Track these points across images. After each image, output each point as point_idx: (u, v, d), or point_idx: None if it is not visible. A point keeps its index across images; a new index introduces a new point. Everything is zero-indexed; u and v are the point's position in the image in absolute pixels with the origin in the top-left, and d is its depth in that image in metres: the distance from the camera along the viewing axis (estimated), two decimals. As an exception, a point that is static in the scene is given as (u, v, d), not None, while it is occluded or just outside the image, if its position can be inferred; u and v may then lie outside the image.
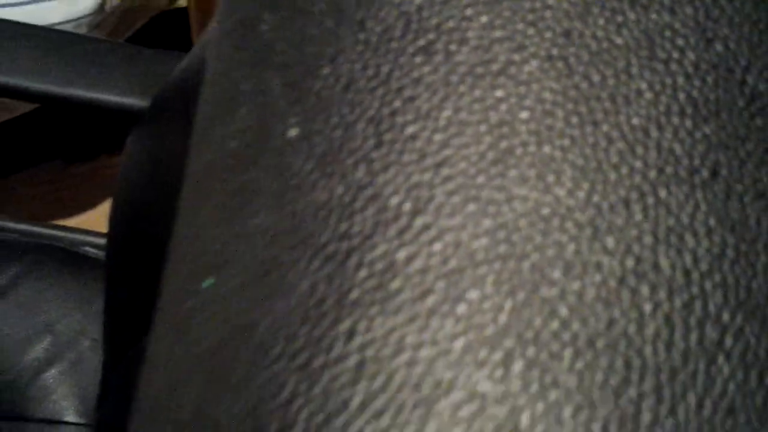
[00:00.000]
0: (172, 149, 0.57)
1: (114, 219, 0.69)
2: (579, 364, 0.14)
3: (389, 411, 0.14)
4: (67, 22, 0.88)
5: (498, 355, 0.14)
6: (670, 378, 0.14)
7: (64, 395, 0.72)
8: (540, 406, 0.14)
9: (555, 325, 0.14)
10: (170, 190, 0.57)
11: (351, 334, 0.15)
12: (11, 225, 0.78)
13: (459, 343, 0.14)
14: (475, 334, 0.14)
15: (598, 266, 0.15)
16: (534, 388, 0.14)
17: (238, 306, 0.16)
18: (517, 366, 0.14)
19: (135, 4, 1.00)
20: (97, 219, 1.13)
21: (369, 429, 0.13)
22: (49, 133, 1.25)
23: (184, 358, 0.16)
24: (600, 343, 0.14)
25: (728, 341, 0.14)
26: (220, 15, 0.23)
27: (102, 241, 0.80)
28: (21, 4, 0.85)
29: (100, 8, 0.91)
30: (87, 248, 0.78)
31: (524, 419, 0.13)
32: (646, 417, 0.14)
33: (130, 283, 0.67)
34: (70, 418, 0.71)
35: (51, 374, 0.73)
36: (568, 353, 0.14)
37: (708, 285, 0.15)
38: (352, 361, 0.14)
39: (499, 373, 0.14)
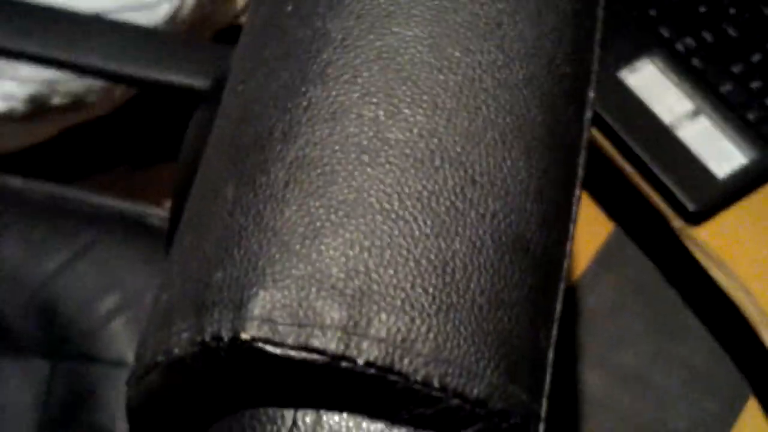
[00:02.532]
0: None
1: (177, 180, 0.88)
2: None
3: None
4: (144, 30, 1.08)
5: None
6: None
7: (130, 340, 0.89)
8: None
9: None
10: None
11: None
12: (89, 198, 0.97)
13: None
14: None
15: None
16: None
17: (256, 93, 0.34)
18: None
19: (202, 18, 1.20)
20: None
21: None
22: (118, 141, 1.44)
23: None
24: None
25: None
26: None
27: (164, 213, 0.99)
28: (106, 13, 1.06)
29: (172, 19, 1.11)
30: (152, 219, 0.97)
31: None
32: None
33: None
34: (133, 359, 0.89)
35: (119, 323, 0.90)
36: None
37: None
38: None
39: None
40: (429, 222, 0.29)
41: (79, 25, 0.84)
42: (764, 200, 0.75)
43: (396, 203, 0.29)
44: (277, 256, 0.28)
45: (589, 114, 0.33)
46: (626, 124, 0.77)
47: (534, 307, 0.30)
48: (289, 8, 0.34)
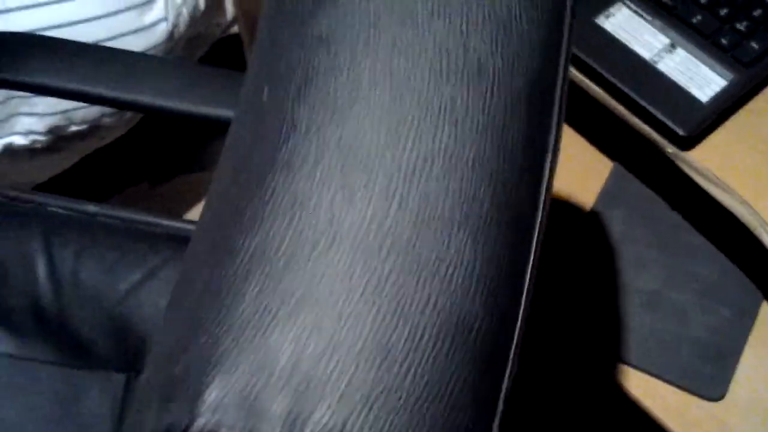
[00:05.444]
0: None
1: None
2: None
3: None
4: (146, 50, 1.09)
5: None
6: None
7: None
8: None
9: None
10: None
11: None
12: (157, 221, 0.99)
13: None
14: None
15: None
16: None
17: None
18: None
19: (197, 32, 1.20)
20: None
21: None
22: (134, 160, 1.45)
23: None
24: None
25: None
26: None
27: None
28: (108, 39, 1.07)
29: (170, 37, 1.11)
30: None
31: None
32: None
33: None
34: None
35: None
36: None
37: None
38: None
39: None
40: (372, 315, 0.31)
41: (120, 63, 0.82)
42: (747, 117, 0.75)
43: (343, 297, 0.31)
44: (232, 348, 0.31)
45: (544, 186, 0.34)
46: (611, 65, 0.77)
47: (473, 396, 0.31)
48: (265, 94, 0.36)
